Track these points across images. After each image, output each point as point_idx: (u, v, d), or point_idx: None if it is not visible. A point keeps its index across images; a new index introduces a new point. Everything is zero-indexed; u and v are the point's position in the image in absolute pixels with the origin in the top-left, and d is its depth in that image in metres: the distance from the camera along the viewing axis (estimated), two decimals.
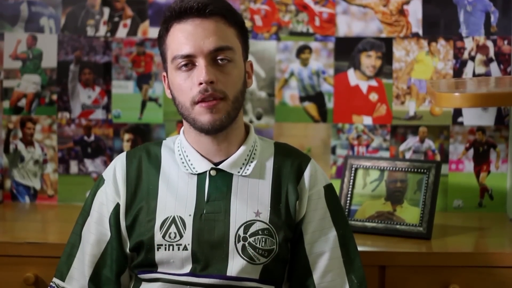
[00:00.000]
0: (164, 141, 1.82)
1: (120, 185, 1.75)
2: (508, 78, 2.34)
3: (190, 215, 1.69)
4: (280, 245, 1.70)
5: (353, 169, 2.29)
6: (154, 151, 1.79)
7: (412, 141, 2.48)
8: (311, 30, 2.49)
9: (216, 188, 1.72)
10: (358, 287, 1.72)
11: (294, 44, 2.49)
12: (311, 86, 2.50)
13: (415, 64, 2.47)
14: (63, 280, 1.75)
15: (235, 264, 1.67)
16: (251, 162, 1.75)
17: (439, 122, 2.47)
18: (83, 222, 1.77)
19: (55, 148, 2.55)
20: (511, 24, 2.44)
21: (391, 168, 2.26)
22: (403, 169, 2.25)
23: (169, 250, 1.68)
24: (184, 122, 1.75)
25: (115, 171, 1.77)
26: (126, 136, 2.53)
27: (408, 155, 2.48)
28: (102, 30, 2.52)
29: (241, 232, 1.68)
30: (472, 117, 2.46)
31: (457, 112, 2.47)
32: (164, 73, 1.76)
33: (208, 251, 1.67)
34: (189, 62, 1.67)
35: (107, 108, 2.53)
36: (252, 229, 1.68)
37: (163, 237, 1.68)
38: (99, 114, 2.54)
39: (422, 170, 2.23)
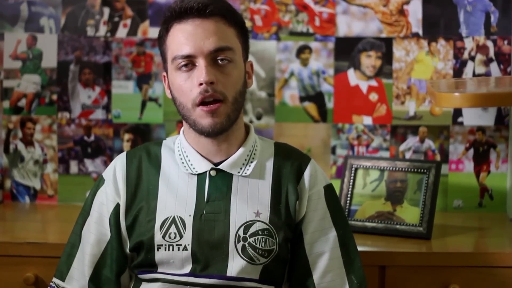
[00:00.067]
0: (164, 141, 1.82)
1: (120, 185, 1.75)
2: (508, 78, 2.34)
3: (190, 215, 1.69)
4: (280, 245, 1.70)
5: (353, 169, 2.29)
6: (154, 151, 1.79)
7: (412, 141, 2.48)
8: (311, 30, 2.49)
9: (216, 188, 1.72)
10: (358, 287, 1.72)
11: (294, 44, 2.49)
12: (311, 86, 2.50)
13: (415, 64, 2.47)
14: (63, 280, 1.75)
15: (235, 264, 1.67)
16: (251, 162, 1.75)
17: (439, 122, 2.47)
18: (83, 222, 1.77)
19: (55, 148, 2.55)
20: (511, 24, 2.44)
21: (391, 168, 2.26)
22: (403, 169, 2.25)
23: (169, 250, 1.68)
24: (184, 123, 1.75)
25: (115, 171, 1.77)
26: (126, 136, 2.53)
27: (408, 155, 2.48)
28: (102, 30, 2.52)
29: (241, 232, 1.68)
30: (472, 117, 2.46)
31: (457, 112, 2.47)
32: (164, 73, 1.76)
33: (208, 251, 1.67)
34: (189, 62, 1.67)
35: (107, 108, 2.53)
36: (252, 229, 1.68)
37: (163, 237, 1.68)
38: (99, 114, 2.54)
39: (422, 170, 2.23)
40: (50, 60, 2.53)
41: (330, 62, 2.49)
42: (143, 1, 2.51)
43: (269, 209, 1.71)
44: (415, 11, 2.46)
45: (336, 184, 2.02)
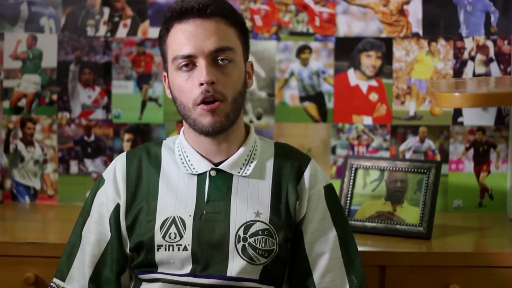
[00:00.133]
0: (164, 141, 1.82)
1: (120, 185, 1.75)
2: (508, 78, 2.34)
3: (190, 216, 1.69)
4: (280, 245, 1.70)
5: (353, 169, 2.29)
6: (154, 151, 1.79)
7: (412, 141, 2.48)
8: (311, 30, 2.49)
9: (216, 189, 1.72)
10: (358, 287, 1.72)
11: (294, 44, 2.49)
12: (311, 86, 2.50)
13: (415, 64, 2.47)
14: (63, 280, 1.75)
15: (235, 265, 1.67)
16: (251, 162, 1.75)
17: (439, 122, 2.47)
18: (83, 222, 1.77)
19: (55, 148, 2.55)
20: (511, 24, 2.44)
21: (391, 168, 2.26)
22: (403, 169, 2.25)
23: (169, 250, 1.68)
24: (184, 123, 1.75)
25: (115, 171, 1.77)
26: (126, 136, 2.53)
27: (408, 155, 2.48)
28: (102, 30, 2.52)
29: (241, 232, 1.68)
30: (472, 117, 2.46)
31: (457, 112, 2.47)
32: (165, 73, 1.76)
33: (208, 251, 1.67)
34: (190, 62, 1.67)
35: (107, 108, 2.53)
36: (252, 229, 1.68)
37: (163, 237, 1.68)
38: (99, 114, 2.54)
39: (422, 170, 2.23)
40: (50, 60, 2.53)
41: (330, 62, 2.49)
42: (143, 1, 2.51)
43: (269, 209, 1.71)
44: (415, 11, 2.46)
45: (336, 184, 2.02)
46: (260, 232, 1.69)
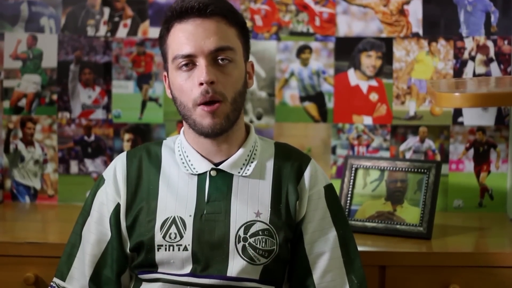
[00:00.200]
0: (164, 141, 1.82)
1: (120, 185, 1.75)
2: (508, 78, 2.34)
3: (190, 216, 1.69)
4: (280, 245, 1.70)
5: (353, 169, 2.29)
6: (155, 151, 1.79)
7: (412, 141, 2.48)
8: (311, 30, 2.49)
9: (216, 189, 1.71)
10: (358, 287, 1.72)
11: (294, 44, 2.49)
12: (311, 86, 2.50)
13: (415, 64, 2.47)
14: (63, 280, 1.75)
15: (235, 265, 1.67)
16: (252, 162, 1.75)
17: (439, 122, 2.47)
18: (83, 222, 1.77)
19: (55, 148, 2.55)
20: (511, 24, 2.44)
21: (391, 168, 2.26)
22: (403, 169, 2.25)
23: (169, 250, 1.68)
24: (184, 123, 1.74)
25: (116, 171, 1.77)
26: (126, 136, 2.53)
27: (408, 155, 2.48)
28: (102, 30, 2.52)
29: (241, 232, 1.68)
30: (472, 117, 2.46)
31: (457, 112, 2.47)
32: (165, 73, 1.76)
33: (208, 251, 1.67)
34: (190, 62, 1.67)
35: (107, 108, 2.53)
36: (253, 229, 1.68)
37: (164, 237, 1.68)
38: (99, 114, 2.54)
39: (422, 170, 2.23)
40: (50, 60, 2.53)
41: (330, 62, 2.49)
42: (143, 1, 2.51)
43: (270, 209, 1.71)
44: (415, 11, 2.46)
45: (336, 184, 2.01)
46: (260, 232, 1.69)
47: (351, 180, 2.29)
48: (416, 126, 2.48)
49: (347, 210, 2.25)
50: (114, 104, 2.53)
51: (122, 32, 2.52)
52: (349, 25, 2.47)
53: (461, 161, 2.48)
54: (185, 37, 1.66)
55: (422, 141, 2.48)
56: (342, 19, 2.47)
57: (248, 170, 1.73)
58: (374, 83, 2.48)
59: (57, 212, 2.48)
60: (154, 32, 2.49)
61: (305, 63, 2.49)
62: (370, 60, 2.48)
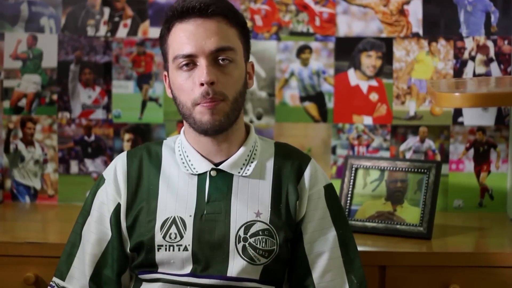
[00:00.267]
0: (164, 141, 1.82)
1: (121, 185, 1.75)
2: (509, 78, 2.34)
3: (190, 216, 1.69)
4: (280, 245, 1.70)
5: (354, 169, 2.29)
6: (155, 150, 1.79)
7: (412, 141, 2.48)
8: (311, 30, 2.49)
9: (216, 189, 1.71)
10: (358, 287, 1.72)
11: (294, 44, 2.49)
12: (312, 86, 2.50)
13: (416, 64, 2.47)
14: (63, 279, 1.75)
15: (236, 265, 1.67)
16: (252, 162, 1.75)
17: (439, 122, 2.47)
18: (84, 221, 1.77)
19: (56, 148, 2.55)
20: (511, 24, 2.44)
21: (391, 168, 2.26)
22: (404, 169, 2.25)
23: (169, 250, 1.68)
24: (185, 122, 1.75)
25: (116, 171, 1.77)
26: (127, 136, 2.53)
27: (408, 155, 2.48)
28: (102, 30, 2.52)
29: (241, 232, 1.68)
30: (472, 117, 2.46)
31: (458, 112, 2.47)
32: (165, 73, 1.76)
33: (209, 251, 1.67)
34: (190, 62, 1.67)
35: (107, 108, 2.53)
36: (253, 229, 1.68)
37: (164, 237, 1.68)
38: (99, 114, 2.54)
39: (422, 170, 2.23)
40: (50, 60, 2.53)
41: (330, 62, 2.49)
42: (143, 1, 2.51)
43: (270, 209, 1.71)
44: (415, 11, 2.46)
45: (336, 184, 2.01)
46: (260, 232, 1.69)
47: (351, 180, 2.29)
48: (416, 126, 2.48)
49: (347, 210, 2.25)
50: (114, 104, 2.53)
51: (122, 32, 2.52)
52: (349, 25, 2.47)
53: (461, 161, 2.48)
54: (186, 37, 1.66)
55: (422, 141, 2.48)
56: (342, 19, 2.47)
57: (248, 170, 1.73)
58: (374, 83, 2.48)
59: (57, 212, 2.48)
60: (154, 32, 2.49)
61: (305, 63, 2.49)
62: (370, 60, 2.48)
